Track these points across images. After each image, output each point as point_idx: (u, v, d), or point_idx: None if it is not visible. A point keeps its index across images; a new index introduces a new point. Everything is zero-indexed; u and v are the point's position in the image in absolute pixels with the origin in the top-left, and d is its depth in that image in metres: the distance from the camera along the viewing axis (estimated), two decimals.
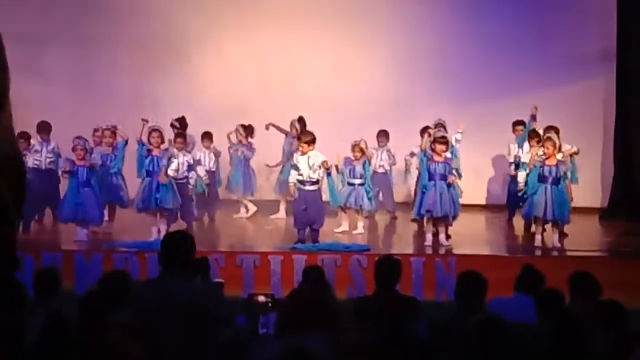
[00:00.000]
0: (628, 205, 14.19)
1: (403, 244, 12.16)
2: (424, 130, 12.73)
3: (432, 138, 11.71)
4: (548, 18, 15.34)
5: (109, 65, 15.73)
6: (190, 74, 15.72)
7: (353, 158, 12.50)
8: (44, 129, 13.32)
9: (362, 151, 12.48)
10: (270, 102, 15.35)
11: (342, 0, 15.67)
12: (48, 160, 13.17)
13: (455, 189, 11.54)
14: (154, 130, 11.90)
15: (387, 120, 15.09)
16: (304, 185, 11.45)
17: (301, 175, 11.44)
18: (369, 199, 12.49)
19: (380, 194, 13.64)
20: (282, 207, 14.01)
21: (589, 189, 14.21)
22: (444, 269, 10.41)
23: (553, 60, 15.26)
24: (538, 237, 11.57)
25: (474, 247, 11.55)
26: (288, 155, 13.63)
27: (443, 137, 11.73)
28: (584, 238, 12.10)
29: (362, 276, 10.30)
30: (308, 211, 11.34)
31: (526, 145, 12.77)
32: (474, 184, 14.65)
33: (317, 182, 11.47)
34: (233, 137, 14.09)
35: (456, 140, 12.88)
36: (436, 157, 11.50)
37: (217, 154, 14.02)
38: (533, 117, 13.36)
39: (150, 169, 11.79)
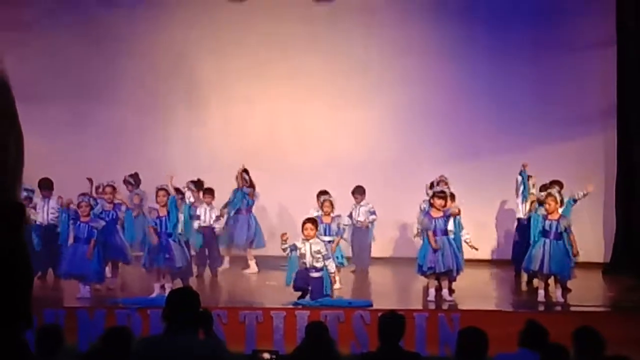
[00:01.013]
0: (631, 260, 14.16)
1: (407, 299, 12.10)
2: (431, 186, 12.84)
3: (431, 192, 11.74)
4: (548, 74, 15.43)
5: (109, 117, 15.79)
6: (197, 123, 15.83)
7: (323, 213, 12.44)
8: (46, 185, 13.38)
9: (332, 205, 12.46)
10: (274, 154, 15.44)
11: (341, 59, 15.78)
12: (50, 216, 13.24)
13: (458, 246, 11.57)
14: (160, 189, 11.93)
15: (387, 177, 15.22)
16: (308, 271, 11.29)
17: (304, 263, 11.28)
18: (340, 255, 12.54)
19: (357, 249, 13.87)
20: (252, 262, 14.09)
21: (591, 244, 14.21)
22: (447, 324, 10.38)
23: (554, 116, 15.33)
24: (541, 292, 11.59)
25: (477, 302, 11.50)
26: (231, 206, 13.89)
27: (442, 192, 11.76)
28: (588, 293, 12.07)
29: (366, 332, 10.26)
30: (312, 292, 11.27)
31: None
32: (478, 239, 14.63)
33: (321, 269, 11.31)
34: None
35: (464, 241, 12.44)
36: (435, 213, 11.53)
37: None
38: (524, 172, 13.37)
39: (161, 228, 11.80)
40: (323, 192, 13.16)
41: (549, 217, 11.42)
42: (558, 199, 11.44)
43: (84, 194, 12.05)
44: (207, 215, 13.82)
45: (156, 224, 11.72)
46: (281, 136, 15.79)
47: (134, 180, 13.80)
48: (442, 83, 15.60)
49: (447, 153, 15.18)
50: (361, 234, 14.00)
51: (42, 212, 13.24)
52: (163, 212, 11.75)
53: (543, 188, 12.65)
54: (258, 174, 15.04)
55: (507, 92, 15.43)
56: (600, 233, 15.22)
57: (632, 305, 11.55)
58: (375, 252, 15.33)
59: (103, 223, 12.04)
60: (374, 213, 14.03)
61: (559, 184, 11.82)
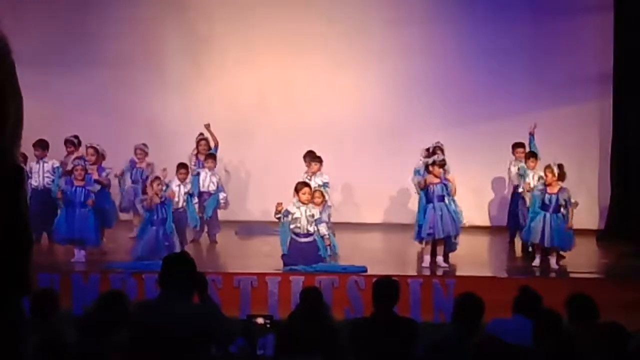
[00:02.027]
0: (625, 227, 14.18)
1: (401, 265, 12.12)
2: (426, 152, 12.87)
3: (430, 160, 11.70)
4: (546, 39, 15.36)
5: (110, 84, 15.70)
6: (190, 94, 15.76)
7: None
8: (41, 146, 13.21)
9: (323, 196, 12.10)
10: (267, 121, 15.40)
11: (336, 23, 15.67)
12: (46, 180, 13.13)
13: (456, 211, 11.55)
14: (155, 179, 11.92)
15: (383, 143, 15.20)
16: (299, 237, 11.26)
17: (298, 227, 11.26)
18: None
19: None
20: None
21: (586, 211, 14.19)
22: (442, 290, 10.41)
23: (549, 81, 15.27)
24: (537, 259, 11.61)
25: (472, 268, 11.53)
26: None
27: (443, 160, 11.74)
28: (582, 260, 12.09)
29: (360, 297, 10.29)
30: (305, 257, 11.22)
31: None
32: (474, 206, 14.66)
33: (312, 234, 11.29)
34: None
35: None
36: (433, 179, 11.51)
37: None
38: (531, 135, 13.33)
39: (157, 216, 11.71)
40: (310, 153, 13.17)
41: (548, 190, 11.41)
42: (555, 171, 11.42)
43: (79, 158, 12.00)
44: (208, 180, 13.72)
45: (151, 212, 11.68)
46: (272, 100, 15.71)
47: (76, 141, 13.49)
48: (438, 48, 15.51)
49: (443, 119, 15.14)
50: None
51: (37, 176, 13.13)
52: (156, 201, 11.64)
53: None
54: (249, 137, 15.06)
55: (503, 57, 15.34)
56: (595, 200, 15.23)
57: (625, 272, 11.59)
58: (370, 217, 15.38)
59: (98, 187, 12.02)
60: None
61: (559, 166, 11.68)
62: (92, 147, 12.78)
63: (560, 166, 11.53)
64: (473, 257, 12.25)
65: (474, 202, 14.65)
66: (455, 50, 15.47)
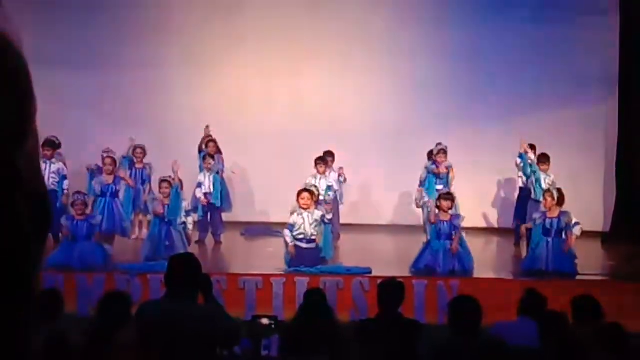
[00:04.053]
0: (631, 229, 14.14)
1: (406, 267, 12.06)
2: (430, 154, 12.95)
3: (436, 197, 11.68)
4: (552, 40, 15.35)
5: (118, 86, 15.71)
6: (194, 95, 15.76)
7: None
8: (51, 145, 13.11)
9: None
10: (273, 122, 15.39)
11: (343, 25, 15.68)
12: (51, 180, 13.08)
13: (464, 245, 11.49)
14: (163, 181, 11.92)
15: (390, 145, 15.21)
16: (302, 242, 11.23)
17: (302, 234, 11.22)
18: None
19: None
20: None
21: (591, 212, 14.19)
22: (446, 292, 10.38)
23: (555, 83, 15.28)
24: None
25: (477, 270, 11.48)
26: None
27: (449, 193, 11.72)
28: (587, 262, 12.04)
29: (365, 299, 10.28)
30: (307, 262, 11.15)
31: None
32: (479, 207, 14.66)
33: (315, 239, 11.25)
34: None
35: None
36: (442, 216, 11.39)
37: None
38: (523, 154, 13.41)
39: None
40: (324, 156, 13.24)
41: (548, 214, 11.34)
42: (555, 195, 11.39)
43: (78, 192, 11.91)
44: (207, 181, 13.74)
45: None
46: (279, 102, 15.70)
47: (57, 142, 13.44)
48: (445, 49, 15.51)
49: (448, 120, 15.11)
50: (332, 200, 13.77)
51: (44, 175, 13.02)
52: (166, 202, 11.68)
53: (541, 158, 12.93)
54: (256, 139, 15.08)
55: (509, 57, 15.35)
56: (600, 201, 15.21)
57: (631, 274, 11.56)
58: (375, 219, 15.38)
59: (100, 217, 11.98)
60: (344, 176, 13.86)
61: (559, 191, 11.68)
62: (109, 157, 12.80)
63: (559, 190, 11.52)
64: (478, 259, 12.19)
65: (479, 203, 14.64)
66: (462, 51, 15.45)
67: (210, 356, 5.15)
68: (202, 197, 13.48)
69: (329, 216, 11.83)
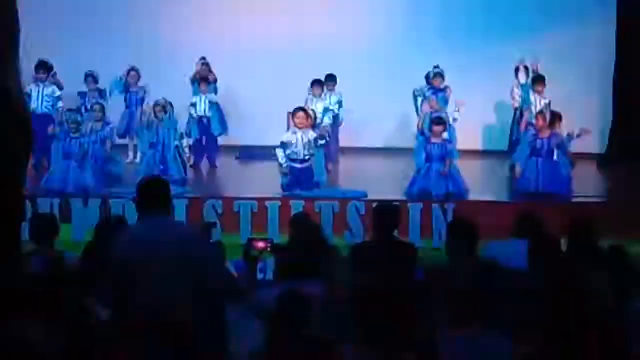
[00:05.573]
0: (628, 152, 14.09)
1: (401, 190, 12.05)
2: (426, 77, 12.89)
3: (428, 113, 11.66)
4: None
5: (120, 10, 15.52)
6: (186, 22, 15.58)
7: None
8: (42, 66, 12.98)
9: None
10: (269, 48, 15.24)
11: None
12: (45, 103, 12.94)
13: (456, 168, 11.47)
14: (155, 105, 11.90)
15: (381, 68, 15.12)
16: (295, 162, 11.20)
17: (295, 153, 11.17)
18: None
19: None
20: None
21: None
22: (441, 214, 10.39)
23: (551, 3, 15.13)
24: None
25: (472, 192, 11.48)
26: None
27: (440, 117, 11.69)
28: (583, 184, 12.03)
29: (360, 222, 10.29)
30: (301, 183, 11.18)
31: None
32: (474, 130, 14.62)
33: (309, 159, 11.24)
34: None
35: (453, 120, 12.51)
36: (434, 139, 11.40)
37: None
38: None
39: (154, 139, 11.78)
40: (320, 79, 13.23)
41: (540, 134, 11.29)
42: (547, 117, 11.34)
43: (70, 110, 11.86)
44: (202, 104, 13.65)
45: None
46: (275, 28, 15.50)
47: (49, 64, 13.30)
48: None
49: (443, 43, 14.97)
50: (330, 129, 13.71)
51: (36, 100, 12.86)
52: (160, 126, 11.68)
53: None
54: (251, 64, 14.97)
55: None
56: (595, 123, 15.10)
57: (627, 196, 11.58)
58: (370, 142, 15.33)
59: (112, 126, 12.06)
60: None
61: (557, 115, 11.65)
62: (98, 103, 12.61)
63: (555, 112, 11.50)
64: (473, 181, 12.17)
65: (473, 126, 14.59)
66: None
67: (188, 279, 5.03)
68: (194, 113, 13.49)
69: (322, 141, 11.75)
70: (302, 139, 11.16)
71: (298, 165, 11.19)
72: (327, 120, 13.14)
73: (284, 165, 11.19)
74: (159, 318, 4.90)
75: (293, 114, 11.31)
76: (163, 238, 5.04)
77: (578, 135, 11.46)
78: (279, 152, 11.19)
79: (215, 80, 13.90)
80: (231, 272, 5.65)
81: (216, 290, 5.15)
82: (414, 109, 13.34)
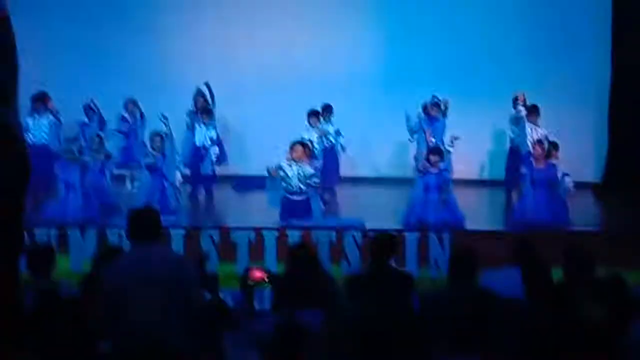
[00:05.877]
0: (624, 180, 14.11)
1: (398, 219, 12.05)
2: (424, 109, 13.02)
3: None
4: None
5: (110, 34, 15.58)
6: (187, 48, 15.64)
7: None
8: (39, 98, 12.99)
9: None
10: (265, 77, 15.29)
11: None
12: (42, 134, 12.94)
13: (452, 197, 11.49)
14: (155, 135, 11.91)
15: (380, 96, 15.17)
16: (292, 195, 11.25)
17: (290, 186, 11.21)
18: None
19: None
20: None
21: (581, 162, 14.15)
22: (438, 244, 10.40)
23: (544, 31, 15.21)
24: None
25: (468, 222, 11.48)
26: None
27: (437, 148, 11.73)
28: (579, 213, 12.03)
29: (357, 252, 10.29)
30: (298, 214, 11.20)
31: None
32: (470, 160, 14.63)
33: (305, 192, 11.25)
34: None
35: (447, 152, 12.63)
36: (430, 168, 11.42)
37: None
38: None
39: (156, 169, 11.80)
40: (316, 109, 13.22)
41: (535, 164, 11.33)
42: (545, 146, 11.40)
43: (68, 140, 11.93)
44: (202, 133, 13.69)
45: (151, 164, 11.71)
46: (271, 56, 15.56)
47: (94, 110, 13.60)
48: (435, 4, 15.43)
49: (440, 74, 15.03)
50: (330, 154, 13.79)
51: (32, 131, 12.87)
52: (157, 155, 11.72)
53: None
54: (248, 93, 15.01)
55: (501, 9, 15.28)
56: (591, 151, 15.14)
57: (623, 226, 11.59)
58: (367, 172, 15.36)
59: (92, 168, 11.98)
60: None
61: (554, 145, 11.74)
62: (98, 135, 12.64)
63: (553, 143, 11.57)
64: (469, 211, 12.18)
65: (470, 156, 14.62)
66: (451, 6, 15.36)
67: (177, 303, 5.07)
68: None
69: (317, 180, 11.67)
70: (298, 173, 11.18)
71: (295, 198, 11.20)
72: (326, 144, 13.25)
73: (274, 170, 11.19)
74: (150, 343, 4.94)
75: (291, 147, 11.34)
76: (150, 265, 5.13)
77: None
78: (273, 167, 11.22)
79: (213, 113, 13.92)
80: (206, 300, 5.66)
81: (200, 313, 5.21)
82: (409, 138, 13.45)
